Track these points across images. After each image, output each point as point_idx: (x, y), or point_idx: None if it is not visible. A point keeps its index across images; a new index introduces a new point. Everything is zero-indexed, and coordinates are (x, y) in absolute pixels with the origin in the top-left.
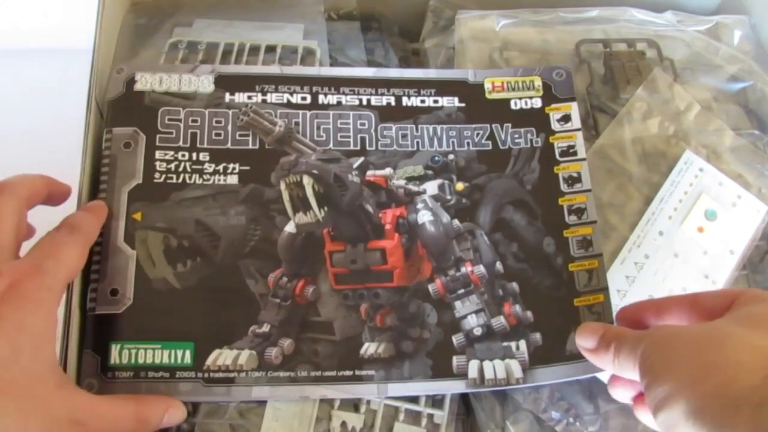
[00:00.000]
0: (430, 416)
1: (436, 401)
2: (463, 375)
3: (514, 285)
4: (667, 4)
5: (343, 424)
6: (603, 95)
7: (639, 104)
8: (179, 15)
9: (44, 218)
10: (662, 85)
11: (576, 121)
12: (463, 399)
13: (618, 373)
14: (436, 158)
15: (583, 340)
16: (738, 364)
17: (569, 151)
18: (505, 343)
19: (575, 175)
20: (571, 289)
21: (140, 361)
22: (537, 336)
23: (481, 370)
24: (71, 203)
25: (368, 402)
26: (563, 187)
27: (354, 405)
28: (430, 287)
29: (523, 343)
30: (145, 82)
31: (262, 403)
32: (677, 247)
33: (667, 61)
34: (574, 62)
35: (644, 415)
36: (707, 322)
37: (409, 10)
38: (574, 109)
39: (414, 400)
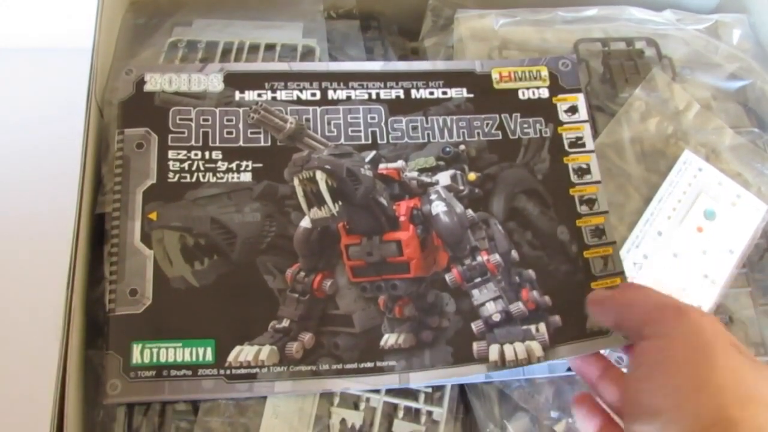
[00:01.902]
0: (429, 413)
1: (435, 399)
2: (483, 359)
3: (531, 272)
4: (667, 2)
5: (343, 421)
6: (602, 94)
7: (638, 104)
8: (178, 14)
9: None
10: (661, 85)
11: (583, 113)
12: (462, 398)
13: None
14: (447, 149)
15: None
16: None
17: (577, 143)
18: (524, 327)
19: (584, 166)
20: (587, 273)
21: (162, 359)
22: (556, 318)
23: (501, 354)
24: (71, 200)
25: (368, 399)
26: (573, 178)
27: (354, 402)
28: (447, 277)
29: (542, 326)
30: (155, 82)
31: (262, 400)
32: (676, 247)
33: (666, 59)
34: None
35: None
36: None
37: (409, 9)
38: (580, 100)
39: (414, 397)
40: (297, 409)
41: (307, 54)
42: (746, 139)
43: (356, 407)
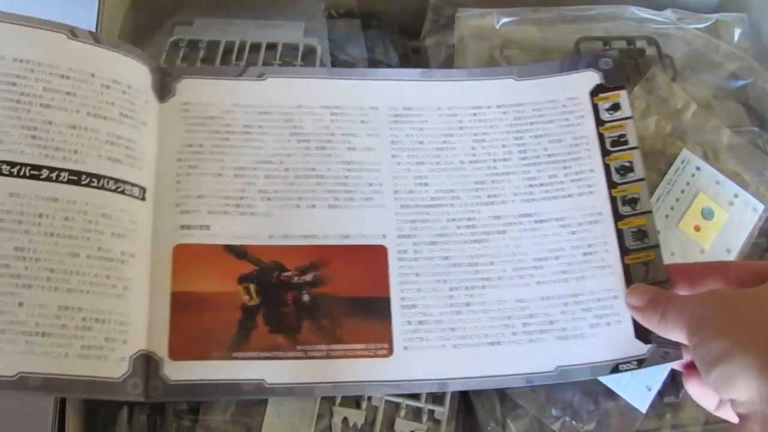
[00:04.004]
0: (431, 412)
1: (436, 397)
2: None
3: None
4: (667, 1)
5: (345, 420)
6: None
7: (637, 103)
8: (180, 14)
9: None
10: (660, 84)
11: (626, 109)
12: (463, 396)
13: (660, 332)
14: None
15: (633, 299)
16: None
17: (620, 141)
18: None
19: (627, 164)
20: (628, 282)
21: None
22: None
23: None
24: None
25: (369, 398)
26: (615, 177)
27: (355, 401)
28: None
29: None
30: None
31: (264, 399)
32: (673, 247)
33: (667, 58)
34: None
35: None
36: (753, 287)
37: (410, 8)
38: (623, 97)
39: (415, 396)
40: (299, 408)
41: (309, 53)
42: (746, 138)
43: (358, 406)
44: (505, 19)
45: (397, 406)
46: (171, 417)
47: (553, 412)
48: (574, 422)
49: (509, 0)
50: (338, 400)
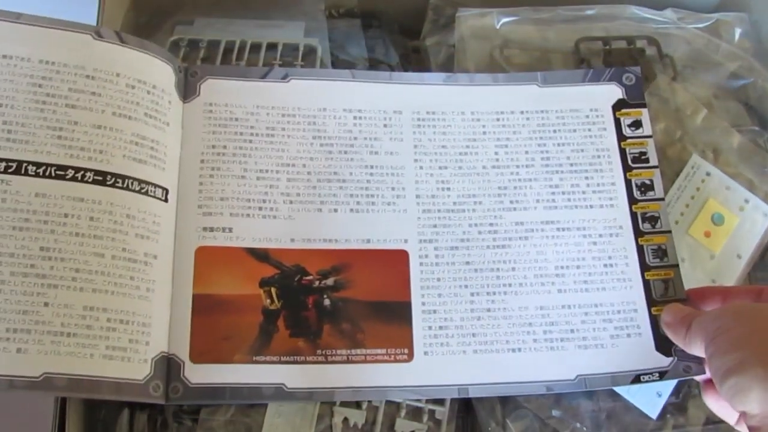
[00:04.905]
0: (431, 412)
1: (437, 398)
2: None
3: None
4: (668, 1)
5: (345, 420)
6: None
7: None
8: (180, 13)
9: None
10: (666, 90)
11: (647, 128)
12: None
13: (686, 348)
14: None
15: (667, 316)
16: None
17: (641, 158)
18: None
19: (648, 182)
20: (648, 297)
21: None
22: None
23: None
24: None
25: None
26: (636, 194)
27: (356, 402)
28: None
29: None
30: None
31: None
32: (684, 252)
33: (667, 58)
34: (574, 60)
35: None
36: None
37: (410, 8)
38: (644, 115)
39: None
40: (299, 409)
41: (309, 53)
42: (747, 137)
43: (358, 406)
44: (505, 19)
45: (398, 406)
46: (171, 417)
47: (554, 412)
48: (577, 424)
49: (509, 0)
50: (338, 401)
